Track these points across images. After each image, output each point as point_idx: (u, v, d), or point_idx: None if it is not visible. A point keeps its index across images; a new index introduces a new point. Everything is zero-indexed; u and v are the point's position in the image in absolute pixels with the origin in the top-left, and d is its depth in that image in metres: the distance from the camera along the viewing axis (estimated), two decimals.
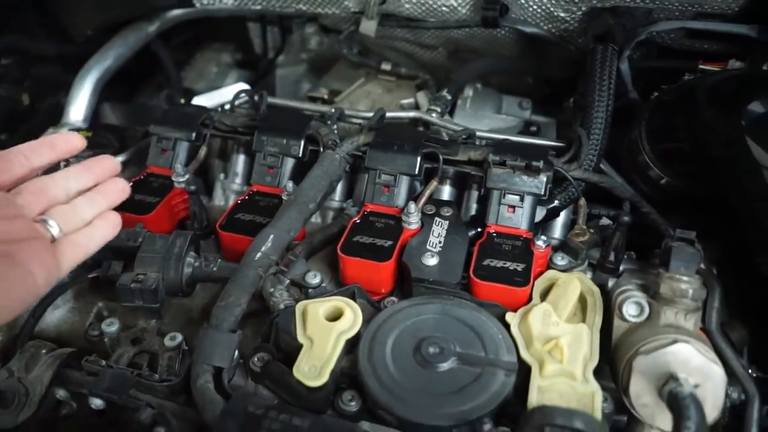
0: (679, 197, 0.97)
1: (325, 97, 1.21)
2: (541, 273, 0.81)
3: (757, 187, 0.71)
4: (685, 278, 0.70)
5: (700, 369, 0.65)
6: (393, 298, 0.80)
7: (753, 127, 0.74)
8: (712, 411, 0.65)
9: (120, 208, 0.90)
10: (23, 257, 0.61)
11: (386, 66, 1.24)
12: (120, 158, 1.01)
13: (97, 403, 0.76)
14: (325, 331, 0.70)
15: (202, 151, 0.98)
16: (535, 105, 1.21)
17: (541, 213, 0.89)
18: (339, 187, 1.00)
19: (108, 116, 1.40)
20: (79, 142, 0.73)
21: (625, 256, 0.85)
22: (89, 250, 0.71)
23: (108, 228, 0.73)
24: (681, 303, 0.70)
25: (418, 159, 0.87)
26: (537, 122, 1.13)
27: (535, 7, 1.01)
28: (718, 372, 0.65)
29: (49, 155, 0.70)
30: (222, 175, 1.06)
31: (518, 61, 1.15)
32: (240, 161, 1.03)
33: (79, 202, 0.71)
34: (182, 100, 1.11)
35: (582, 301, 0.78)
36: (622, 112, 1.03)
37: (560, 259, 0.83)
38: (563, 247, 0.87)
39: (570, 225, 0.93)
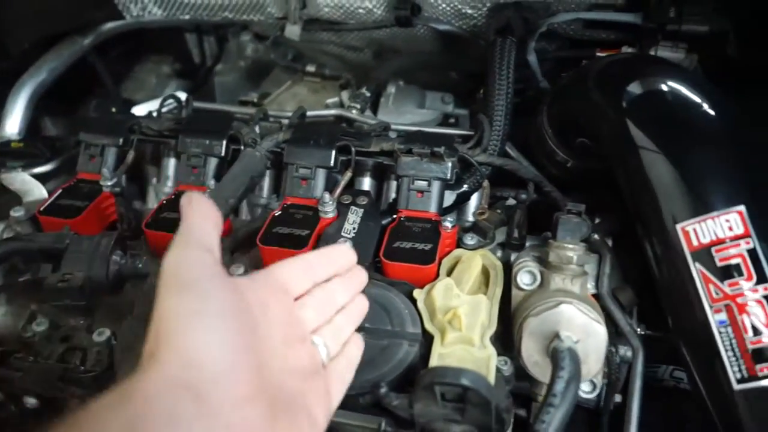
0: (585, 176, 1.03)
1: (255, 100, 1.25)
2: (450, 252, 0.87)
3: (634, 166, 0.77)
4: (570, 246, 0.76)
5: (582, 327, 0.70)
6: None
7: (630, 106, 0.80)
8: (596, 364, 0.71)
9: (49, 214, 0.95)
10: (310, 397, 0.53)
11: (311, 68, 1.30)
12: (49, 167, 1.05)
13: (31, 402, 0.79)
14: None
15: (130, 156, 1.01)
16: (460, 99, 1.27)
17: (452, 198, 0.94)
18: (267, 184, 1.05)
19: (50, 130, 1.42)
20: (353, 256, 0.66)
21: (543, 235, 0.91)
22: (348, 381, 0.60)
23: (358, 353, 0.63)
24: (568, 269, 0.76)
25: (333, 152, 0.92)
26: (457, 114, 1.19)
27: (444, 5, 1.07)
28: (598, 329, 0.71)
29: (328, 269, 0.63)
30: (154, 180, 1.10)
31: (435, 57, 1.22)
32: (170, 164, 1.07)
33: (339, 320, 0.62)
34: (113, 109, 1.14)
35: (487, 275, 0.84)
36: (533, 102, 1.09)
37: (470, 239, 0.89)
38: (473, 228, 0.93)
39: None
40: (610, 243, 0.90)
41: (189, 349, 0.44)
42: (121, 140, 1.01)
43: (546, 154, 1.02)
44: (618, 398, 0.83)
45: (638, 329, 0.81)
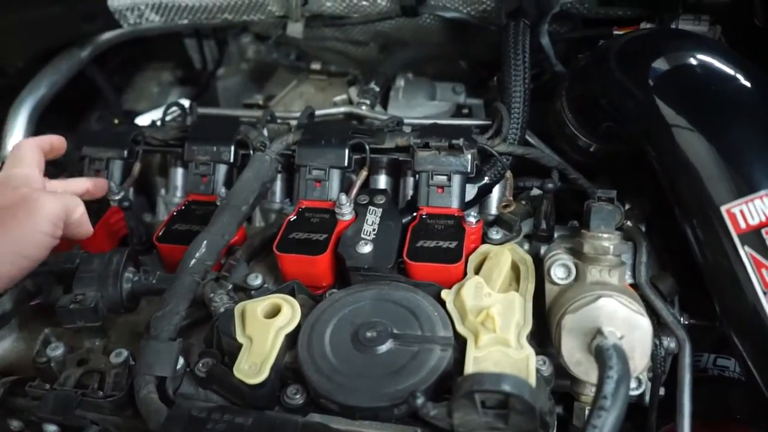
0: (610, 160, 0.99)
1: (261, 103, 1.22)
2: (476, 249, 0.83)
3: (668, 147, 0.73)
4: (605, 235, 0.72)
5: (625, 320, 0.66)
6: (334, 290, 0.80)
7: (658, 83, 0.76)
8: (642, 359, 0.67)
9: None
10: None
11: (316, 65, 1.26)
12: None
13: (51, 429, 0.76)
14: (264, 328, 0.71)
15: (136, 168, 0.98)
16: (471, 88, 1.22)
17: (473, 191, 0.90)
18: (278, 188, 1.01)
19: None
20: None
21: (569, 224, 0.87)
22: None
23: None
24: (604, 260, 0.72)
25: (346, 151, 0.88)
26: (470, 105, 1.15)
27: None
28: (642, 322, 0.67)
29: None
30: (163, 191, 1.06)
31: (443, 47, 1.17)
32: (178, 174, 1.04)
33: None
34: (116, 121, 1.11)
35: (516, 270, 0.80)
36: (549, 86, 1.05)
37: (495, 233, 0.85)
38: (498, 221, 0.89)
39: None
40: (643, 229, 0.85)
41: None
42: (125, 152, 0.98)
43: (567, 140, 0.98)
44: (661, 391, 0.79)
45: (682, 319, 0.77)
